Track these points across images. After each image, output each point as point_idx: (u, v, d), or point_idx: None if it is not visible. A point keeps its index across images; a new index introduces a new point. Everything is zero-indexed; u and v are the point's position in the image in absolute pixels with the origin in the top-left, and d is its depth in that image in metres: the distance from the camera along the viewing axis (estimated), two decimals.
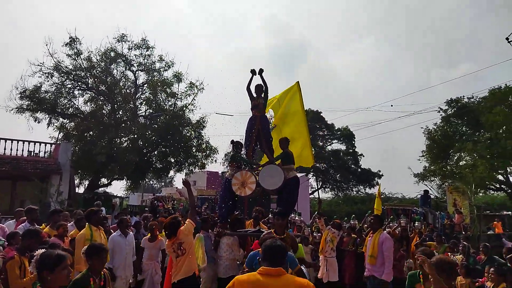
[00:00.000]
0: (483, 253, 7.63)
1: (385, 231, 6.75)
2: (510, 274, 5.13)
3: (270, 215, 8.29)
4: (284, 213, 5.05)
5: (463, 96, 25.79)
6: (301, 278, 2.50)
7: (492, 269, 5.20)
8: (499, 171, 23.13)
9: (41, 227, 6.10)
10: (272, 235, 4.52)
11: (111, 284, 3.76)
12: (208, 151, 21.00)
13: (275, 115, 10.42)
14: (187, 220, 4.92)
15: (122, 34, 21.04)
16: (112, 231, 6.96)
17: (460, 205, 16.69)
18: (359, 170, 36.90)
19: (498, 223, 14.98)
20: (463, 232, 13.02)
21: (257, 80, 9.48)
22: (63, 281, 2.76)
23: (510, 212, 21.84)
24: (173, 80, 21.15)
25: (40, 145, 17.65)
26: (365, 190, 37.08)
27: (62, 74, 20.10)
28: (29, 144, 17.23)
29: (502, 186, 24.33)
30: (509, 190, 23.94)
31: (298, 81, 9.95)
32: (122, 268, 6.15)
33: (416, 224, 11.03)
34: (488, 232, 14.64)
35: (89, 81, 20.69)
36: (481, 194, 26.41)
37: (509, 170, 23.39)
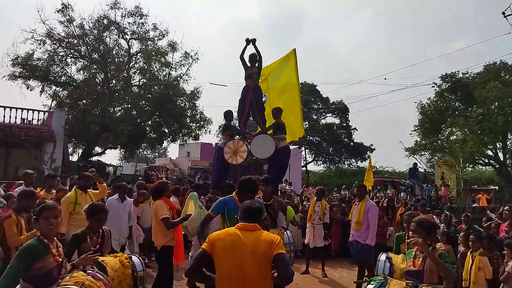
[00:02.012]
0: (464, 223, 7.95)
1: (370, 200, 7.01)
2: (487, 239, 5.40)
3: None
4: (270, 180, 5.20)
5: (458, 71, 25.79)
6: (272, 234, 2.67)
7: (471, 235, 5.45)
8: (489, 146, 23.49)
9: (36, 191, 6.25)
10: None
11: (109, 241, 3.95)
12: (202, 122, 21.05)
13: (269, 84, 10.40)
14: (164, 213, 4.87)
15: (115, 0, 20.60)
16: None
17: (447, 179, 17.07)
18: (351, 143, 37.21)
19: (482, 196, 15.39)
20: (449, 204, 13.42)
21: (251, 49, 9.51)
22: (44, 230, 2.89)
23: (497, 187, 22.40)
24: (167, 49, 20.93)
25: (33, 112, 17.58)
26: (357, 163, 37.53)
27: (55, 42, 19.79)
28: (22, 111, 17.14)
29: (491, 161, 24.75)
30: (497, 165, 24.38)
31: (294, 49, 9.91)
32: (116, 230, 6.34)
33: (402, 195, 11.38)
34: (473, 205, 15.08)
35: (81, 49, 20.41)
36: (470, 168, 26.87)
37: (498, 145, 23.78)
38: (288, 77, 9.93)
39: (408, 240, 3.10)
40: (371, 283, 3.52)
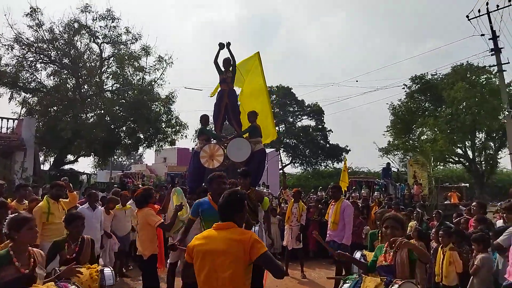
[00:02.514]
0: (436, 219, 8.20)
1: (346, 200, 7.15)
2: (456, 234, 5.61)
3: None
4: (247, 173, 5.27)
5: (427, 72, 26.67)
6: (244, 231, 2.67)
7: (441, 231, 5.64)
8: (458, 145, 24.34)
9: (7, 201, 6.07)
10: None
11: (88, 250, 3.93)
12: (178, 127, 20.85)
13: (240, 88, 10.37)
14: (159, 219, 4.81)
15: (86, 4, 20.18)
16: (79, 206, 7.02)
17: (419, 177, 17.56)
18: (327, 145, 37.78)
19: (453, 193, 15.93)
20: (421, 202, 13.81)
21: (225, 53, 9.54)
22: (29, 240, 3.04)
23: (467, 184, 23.20)
24: (140, 53, 20.65)
25: (2, 120, 16.99)
26: (333, 164, 38.12)
27: (23, 46, 19.20)
28: None
29: (461, 159, 25.63)
30: (467, 163, 25.26)
31: (258, 52, 10.01)
32: None
33: (375, 194, 11.64)
34: (445, 202, 15.58)
35: (51, 54, 19.89)
36: (441, 167, 27.74)
37: (467, 144, 24.66)
38: (255, 82, 9.97)
39: (396, 244, 3.19)
40: (347, 281, 3.58)
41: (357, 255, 4.04)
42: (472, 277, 4.84)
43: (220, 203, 2.76)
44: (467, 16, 17.30)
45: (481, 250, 4.86)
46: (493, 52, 16.55)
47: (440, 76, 25.61)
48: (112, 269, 3.91)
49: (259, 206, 5.31)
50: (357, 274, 3.70)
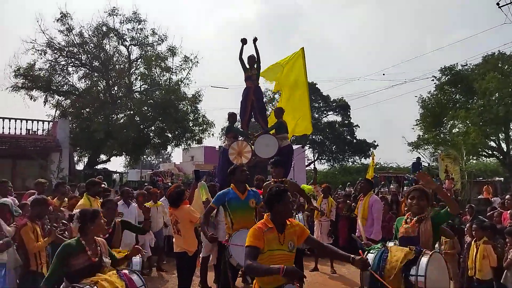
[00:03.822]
0: (468, 214, 8.02)
1: (375, 195, 7.11)
2: (490, 228, 5.50)
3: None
4: (278, 162, 5.24)
5: (457, 63, 25.81)
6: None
7: (474, 225, 5.56)
8: (491, 138, 23.50)
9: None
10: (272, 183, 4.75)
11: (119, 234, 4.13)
12: (204, 125, 21.19)
13: (278, 82, 10.56)
14: (198, 213, 4.95)
15: (113, 7, 20.82)
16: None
17: (451, 172, 17.08)
18: (354, 141, 37.25)
19: (487, 187, 15.46)
20: (453, 197, 13.48)
21: (248, 49, 9.62)
22: (100, 231, 3.40)
23: (502, 178, 22.39)
24: (167, 54, 21.09)
25: (38, 123, 17.74)
26: (360, 160, 37.56)
27: (55, 51, 20.01)
28: (27, 122, 17.30)
29: (494, 152, 24.75)
30: (501, 157, 24.38)
31: (303, 47, 10.06)
32: (125, 235, 6.49)
33: (405, 189, 11.46)
34: (479, 197, 15.13)
35: (82, 57, 20.62)
36: (474, 161, 26.88)
37: (501, 136, 23.78)
38: (297, 75, 10.10)
39: (420, 178, 3.16)
40: (371, 251, 3.39)
41: (390, 244, 4.05)
42: (506, 271, 4.75)
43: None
44: (498, 4, 16.65)
45: None
46: None
47: (471, 67, 24.81)
48: (140, 257, 4.04)
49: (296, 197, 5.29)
50: (380, 244, 3.52)
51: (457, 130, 24.83)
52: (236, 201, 4.24)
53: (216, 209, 4.91)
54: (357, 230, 6.72)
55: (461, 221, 8.02)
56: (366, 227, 6.47)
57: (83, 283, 2.95)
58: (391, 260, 3.16)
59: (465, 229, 6.21)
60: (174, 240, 5.13)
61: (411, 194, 3.49)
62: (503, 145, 24.10)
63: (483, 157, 26.41)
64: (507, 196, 6.75)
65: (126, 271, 3.24)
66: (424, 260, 3.04)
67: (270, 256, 2.87)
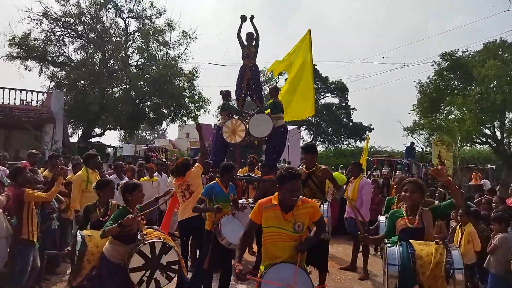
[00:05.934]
0: None
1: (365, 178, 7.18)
2: (474, 214, 5.58)
3: (260, 164, 8.57)
4: (310, 147, 5.13)
5: (457, 49, 25.58)
6: None
7: (460, 210, 5.63)
8: (486, 125, 23.57)
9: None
10: (302, 170, 4.70)
11: None
12: (200, 102, 21.10)
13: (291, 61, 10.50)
14: (196, 163, 5.25)
15: None
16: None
17: (444, 157, 17.18)
18: (350, 123, 37.29)
19: (476, 174, 15.56)
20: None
21: (247, 27, 9.48)
22: (138, 201, 3.80)
23: (494, 166, 22.59)
24: (165, 28, 20.78)
25: (32, 93, 17.57)
26: (355, 143, 37.71)
27: (51, 21, 19.68)
28: (21, 92, 17.13)
29: (488, 140, 24.87)
30: (495, 144, 24.52)
31: (309, 29, 9.96)
32: None
33: (397, 173, 11.57)
34: (469, 183, 15.27)
35: (78, 28, 20.29)
36: (467, 148, 27.02)
37: (496, 124, 23.85)
38: (303, 56, 10.03)
39: (431, 169, 3.21)
40: (389, 245, 3.26)
41: (382, 218, 4.16)
42: (489, 255, 4.86)
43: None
44: None
45: (501, 230, 4.85)
46: None
47: (471, 53, 24.61)
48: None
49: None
50: (396, 237, 3.35)
51: (453, 116, 24.84)
52: (221, 194, 4.57)
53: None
54: (345, 212, 6.82)
55: None
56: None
57: (142, 234, 3.62)
58: (421, 255, 3.08)
59: (452, 214, 6.29)
60: (180, 209, 5.14)
61: (405, 187, 3.52)
62: (498, 133, 24.21)
63: (477, 144, 26.55)
64: (498, 186, 6.82)
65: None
66: (456, 253, 3.07)
67: (270, 233, 2.92)
